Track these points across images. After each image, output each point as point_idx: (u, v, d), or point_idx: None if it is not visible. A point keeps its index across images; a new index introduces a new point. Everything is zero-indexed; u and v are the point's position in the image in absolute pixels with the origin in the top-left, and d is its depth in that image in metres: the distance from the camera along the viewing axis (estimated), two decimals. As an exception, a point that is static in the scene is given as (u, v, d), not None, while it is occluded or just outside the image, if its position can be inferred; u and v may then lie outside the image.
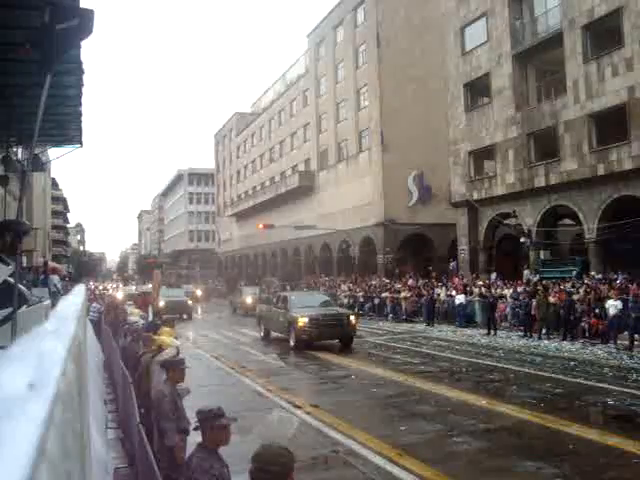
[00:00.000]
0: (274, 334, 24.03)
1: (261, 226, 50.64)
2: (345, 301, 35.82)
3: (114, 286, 73.90)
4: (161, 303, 34.10)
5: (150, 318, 15.19)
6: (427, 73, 42.80)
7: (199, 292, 54.43)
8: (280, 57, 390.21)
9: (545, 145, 30.11)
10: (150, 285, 59.76)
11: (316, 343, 20.79)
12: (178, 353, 8.36)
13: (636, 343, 19.39)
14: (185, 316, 36.38)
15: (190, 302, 38.22)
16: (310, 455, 8.97)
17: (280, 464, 3.32)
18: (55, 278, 23.25)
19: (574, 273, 26.85)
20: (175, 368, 6.74)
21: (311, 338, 20.68)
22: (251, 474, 3.44)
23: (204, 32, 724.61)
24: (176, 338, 10.67)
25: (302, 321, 20.71)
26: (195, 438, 5.11)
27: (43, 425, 0.64)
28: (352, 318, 21.56)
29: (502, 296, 27.19)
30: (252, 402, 12.79)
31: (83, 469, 1.58)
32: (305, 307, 21.91)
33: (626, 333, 20.09)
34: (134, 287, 61.92)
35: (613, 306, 20.74)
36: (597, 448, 9.04)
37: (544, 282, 26.09)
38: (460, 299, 28.42)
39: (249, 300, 37.69)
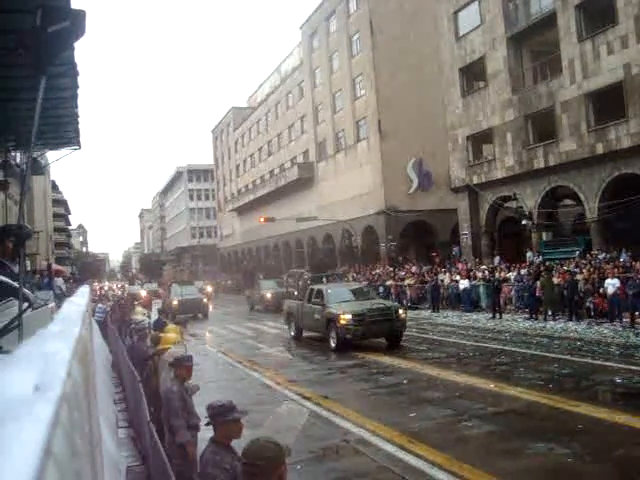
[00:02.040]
0: (307, 333, 21.54)
1: (262, 220, 50.34)
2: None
3: (119, 286, 73.90)
4: (174, 302, 32.83)
5: (153, 316, 15.21)
6: (422, 59, 42.60)
7: (209, 288, 50.41)
8: (274, 49, 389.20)
9: (543, 126, 30.03)
10: (154, 284, 59.12)
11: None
12: (185, 350, 8.39)
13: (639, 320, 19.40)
14: (201, 315, 34.40)
15: (206, 300, 35.71)
16: (321, 445, 9.01)
17: (266, 458, 3.34)
18: (59, 280, 23.31)
19: (577, 253, 26.83)
20: (182, 365, 6.77)
21: (356, 337, 18.00)
22: (242, 469, 3.49)
23: (196, 28, 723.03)
24: (182, 334, 10.70)
25: (344, 318, 17.96)
26: (206, 434, 5.13)
27: (49, 426, 0.65)
28: (401, 311, 18.97)
29: (506, 279, 27.19)
30: (261, 395, 12.83)
31: (94, 468, 1.59)
32: (345, 301, 19.33)
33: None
34: (140, 286, 61.45)
35: (611, 284, 20.76)
36: (606, 427, 9.06)
37: (547, 263, 26.09)
38: (464, 284, 28.45)
39: (269, 295, 35.75)
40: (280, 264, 56.60)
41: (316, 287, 21.05)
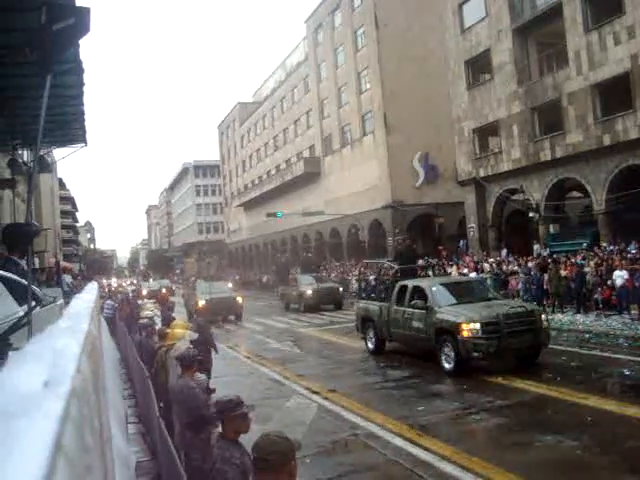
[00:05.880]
0: (390, 344, 16.64)
1: (277, 214, 49.76)
2: (356, 285, 33.75)
3: (127, 282, 74.01)
4: (201, 302, 26.97)
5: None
6: (427, 52, 42.45)
7: (229, 284, 41.41)
8: (279, 44, 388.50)
9: (549, 118, 29.88)
10: (165, 280, 57.95)
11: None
12: (194, 346, 8.39)
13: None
14: (233, 317, 29.19)
15: (240, 299, 30.03)
16: (330, 439, 9.02)
17: (277, 453, 3.34)
18: (67, 277, 23.40)
19: (584, 245, 26.73)
20: (191, 361, 6.78)
21: (488, 356, 13.01)
22: (253, 464, 3.50)
23: (202, 23, 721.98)
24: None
25: (470, 328, 12.80)
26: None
27: (59, 421, 0.65)
28: (543, 317, 13.87)
29: (514, 272, 27.12)
30: (270, 390, 12.86)
31: (104, 463, 1.60)
32: (459, 303, 14.20)
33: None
34: (152, 282, 61.07)
35: (620, 276, 20.68)
36: (615, 419, 9.05)
37: (555, 256, 26.00)
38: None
39: (309, 292, 31.35)
40: (321, 256, 54.77)
41: (410, 283, 15.74)
